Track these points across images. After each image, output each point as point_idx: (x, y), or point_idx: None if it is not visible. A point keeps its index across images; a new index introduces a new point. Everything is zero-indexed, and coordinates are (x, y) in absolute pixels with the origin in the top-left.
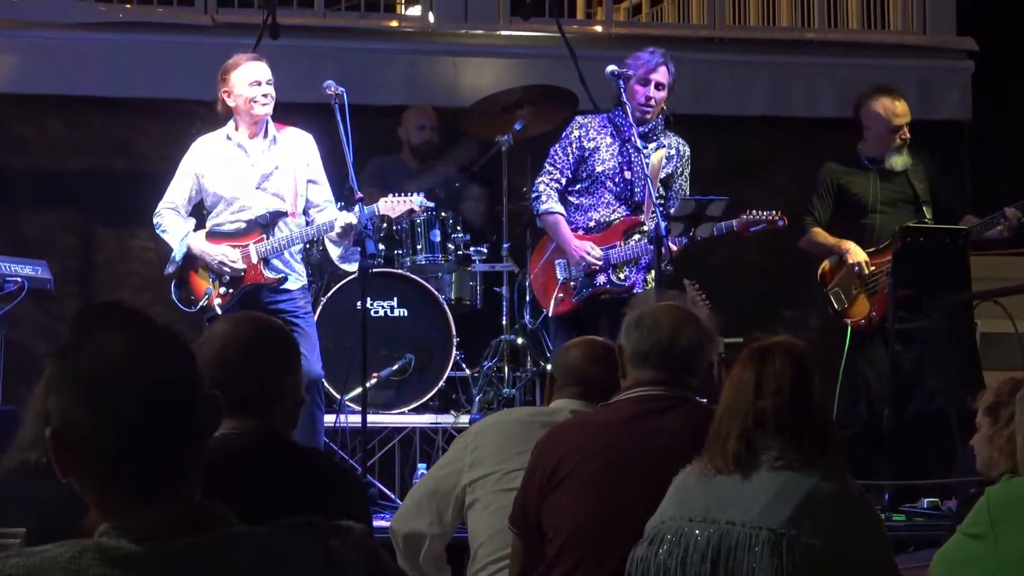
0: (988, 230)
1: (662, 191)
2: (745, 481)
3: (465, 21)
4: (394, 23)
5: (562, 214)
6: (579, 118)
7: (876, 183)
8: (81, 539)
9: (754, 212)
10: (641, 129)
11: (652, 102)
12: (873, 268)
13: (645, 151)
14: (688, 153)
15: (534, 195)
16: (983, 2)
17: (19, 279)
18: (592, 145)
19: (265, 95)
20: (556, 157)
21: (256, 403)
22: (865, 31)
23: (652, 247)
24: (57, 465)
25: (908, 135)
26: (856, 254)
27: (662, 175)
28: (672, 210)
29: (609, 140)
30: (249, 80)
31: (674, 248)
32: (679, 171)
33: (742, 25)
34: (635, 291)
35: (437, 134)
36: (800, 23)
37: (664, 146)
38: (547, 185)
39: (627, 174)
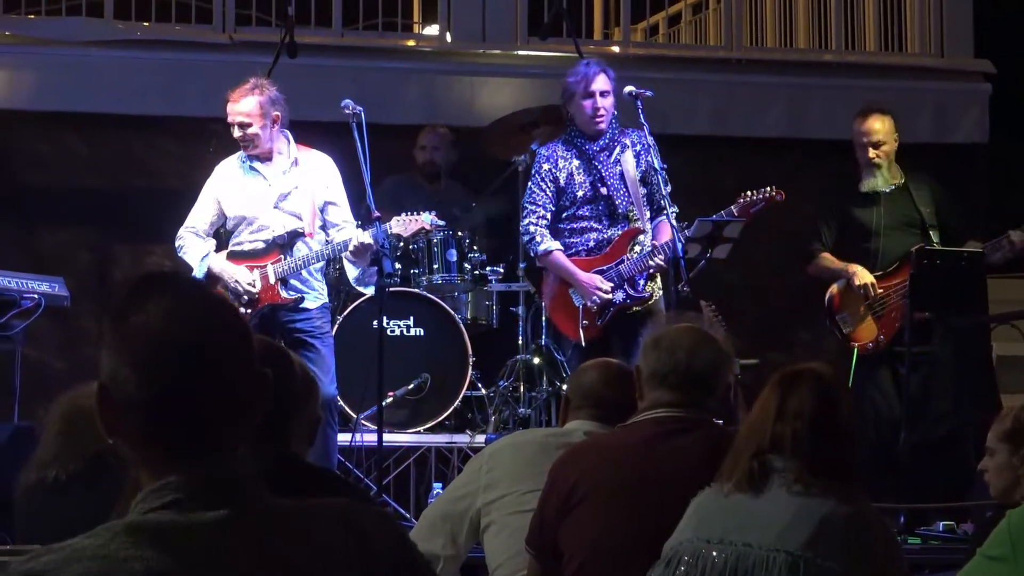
0: (993, 254)
1: (642, 190)
2: (762, 503)
3: (483, 41)
4: (412, 42)
5: (560, 249)
6: (542, 151)
7: (880, 207)
8: (111, 523)
9: (749, 193)
10: (600, 143)
11: (601, 112)
12: (880, 291)
13: (611, 160)
14: (652, 140)
15: (527, 238)
16: (1001, 24)
17: (36, 296)
18: (564, 174)
19: (241, 136)
20: (535, 195)
21: (272, 428)
22: (882, 53)
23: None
24: (102, 421)
25: (879, 156)
26: (862, 276)
27: (638, 175)
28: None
29: (577, 163)
30: (228, 118)
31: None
32: (651, 163)
33: (759, 46)
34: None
35: (443, 154)
36: (817, 44)
37: (628, 147)
38: (536, 225)
39: (603, 190)
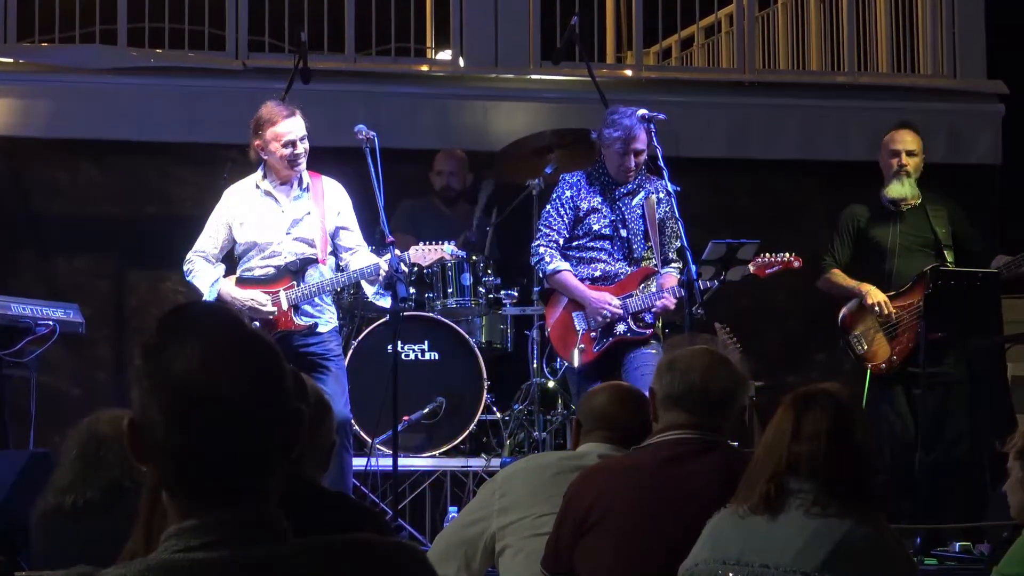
0: (1019, 268)
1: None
2: (779, 524)
3: (496, 65)
4: (425, 67)
5: (569, 270)
6: (567, 177)
7: (896, 227)
8: (144, 558)
9: (767, 256)
10: (625, 188)
11: (633, 168)
12: (893, 310)
13: (633, 204)
14: (673, 194)
15: (536, 258)
16: (1014, 45)
17: (50, 322)
18: (586, 205)
19: (299, 154)
20: (551, 218)
21: None
22: (895, 75)
23: (683, 290)
24: (132, 454)
25: (908, 165)
26: (875, 294)
27: (658, 220)
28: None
29: (599, 199)
30: (283, 140)
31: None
32: (669, 213)
33: (772, 69)
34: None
35: (460, 179)
36: (830, 67)
37: (652, 192)
38: (547, 246)
39: (623, 232)
